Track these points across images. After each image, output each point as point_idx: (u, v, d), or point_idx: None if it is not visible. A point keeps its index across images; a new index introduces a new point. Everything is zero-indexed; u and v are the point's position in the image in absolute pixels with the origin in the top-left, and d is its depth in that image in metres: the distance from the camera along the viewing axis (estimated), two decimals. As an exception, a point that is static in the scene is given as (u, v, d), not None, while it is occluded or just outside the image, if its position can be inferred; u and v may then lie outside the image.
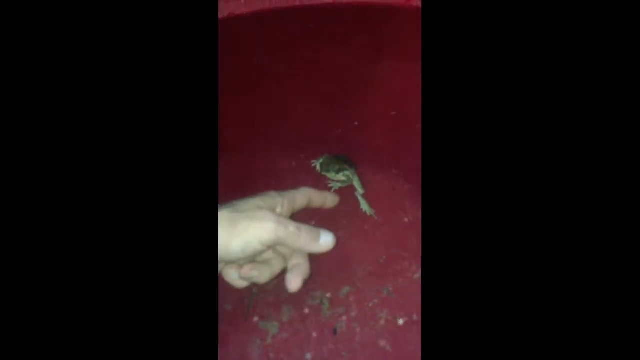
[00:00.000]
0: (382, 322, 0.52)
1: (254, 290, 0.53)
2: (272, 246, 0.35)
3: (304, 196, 0.40)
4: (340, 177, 0.50)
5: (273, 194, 0.37)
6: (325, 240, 0.36)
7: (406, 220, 0.57)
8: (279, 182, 0.56)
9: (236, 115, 0.48)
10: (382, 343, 0.51)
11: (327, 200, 0.43)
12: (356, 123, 0.56)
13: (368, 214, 0.55)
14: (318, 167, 0.50)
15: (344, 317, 0.53)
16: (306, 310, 0.53)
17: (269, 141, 0.57)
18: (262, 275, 0.35)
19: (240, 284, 0.37)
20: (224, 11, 0.40)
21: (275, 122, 0.56)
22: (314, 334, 0.52)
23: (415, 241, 0.55)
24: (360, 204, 0.55)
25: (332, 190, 0.48)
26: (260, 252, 0.35)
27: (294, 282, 0.36)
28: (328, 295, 0.53)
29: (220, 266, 0.36)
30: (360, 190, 0.54)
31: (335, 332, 0.52)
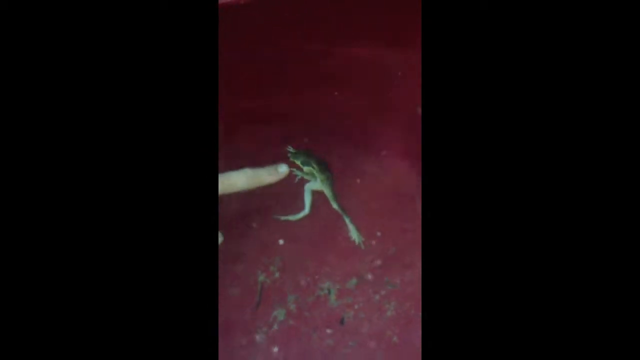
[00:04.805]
0: (390, 313, 0.53)
1: (262, 279, 0.54)
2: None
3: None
4: (304, 169, 0.50)
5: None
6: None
7: (418, 211, 0.57)
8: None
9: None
10: (389, 334, 0.52)
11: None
12: (336, 93, 0.57)
13: (356, 242, 0.55)
14: (291, 153, 0.51)
15: (351, 308, 0.53)
16: (313, 300, 0.53)
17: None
18: None
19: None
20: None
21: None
22: (321, 324, 0.52)
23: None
24: (350, 231, 0.55)
25: (296, 180, 0.48)
26: None
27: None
28: (336, 285, 0.54)
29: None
30: (333, 204, 0.53)
31: (342, 322, 0.52)
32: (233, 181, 0.38)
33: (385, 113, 0.57)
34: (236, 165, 0.39)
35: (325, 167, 0.52)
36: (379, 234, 0.56)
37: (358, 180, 0.60)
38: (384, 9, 0.47)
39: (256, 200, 0.57)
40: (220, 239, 0.39)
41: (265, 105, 0.56)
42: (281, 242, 0.56)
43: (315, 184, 0.51)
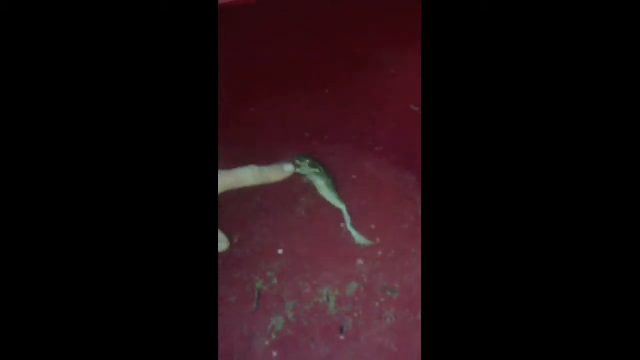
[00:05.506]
0: (389, 320, 0.52)
1: (259, 285, 0.53)
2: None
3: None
4: (310, 170, 0.50)
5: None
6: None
7: (418, 214, 0.56)
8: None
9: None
10: (388, 342, 0.51)
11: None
12: (326, 91, 0.56)
13: (361, 244, 0.54)
14: (298, 159, 0.50)
15: (350, 316, 0.52)
16: (312, 307, 0.52)
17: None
18: None
19: None
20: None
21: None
22: (320, 332, 0.51)
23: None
24: (354, 237, 0.54)
25: (304, 181, 0.48)
26: None
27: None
28: (334, 292, 0.53)
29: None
30: (336, 204, 0.53)
31: (342, 330, 0.51)
32: (241, 177, 0.39)
33: (385, 112, 0.57)
34: (236, 164, 0.39)
35: (327, 170, 0.51)
36: (378, 240, 0.56)
37: (354, 176, 0.59)
38: (383, 9, 0.47)
39: (255, 204, 0.56)
40: (227, 245, 0.39)
41: (265, 105, 0.55)
42: (280, 251, 0.56)
43: (321, 185, 0.51)
